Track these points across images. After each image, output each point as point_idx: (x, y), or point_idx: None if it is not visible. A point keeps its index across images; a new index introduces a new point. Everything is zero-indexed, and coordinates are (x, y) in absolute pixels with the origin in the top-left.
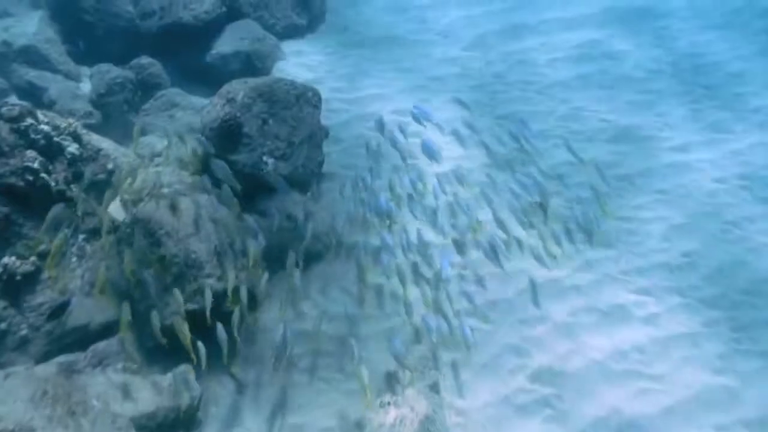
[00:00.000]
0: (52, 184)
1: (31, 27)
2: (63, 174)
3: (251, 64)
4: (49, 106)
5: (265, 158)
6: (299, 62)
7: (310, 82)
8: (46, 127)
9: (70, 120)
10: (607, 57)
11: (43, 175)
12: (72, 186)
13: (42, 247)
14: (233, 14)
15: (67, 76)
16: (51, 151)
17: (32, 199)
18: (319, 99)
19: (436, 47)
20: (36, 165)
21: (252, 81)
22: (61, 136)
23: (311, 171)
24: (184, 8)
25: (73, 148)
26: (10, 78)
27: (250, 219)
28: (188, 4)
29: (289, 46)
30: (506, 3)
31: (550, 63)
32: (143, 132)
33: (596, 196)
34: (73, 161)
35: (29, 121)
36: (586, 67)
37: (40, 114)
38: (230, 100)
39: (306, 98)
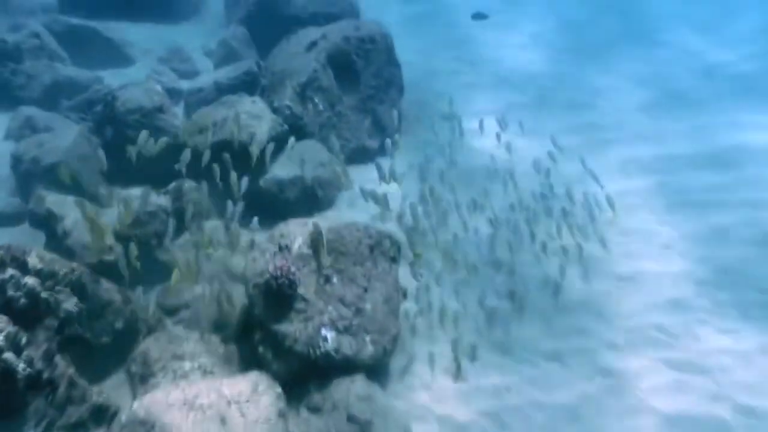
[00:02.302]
0: (20, 367)
1: (65, 142)
2: (44, 347)
3: (312, 193)
4: (62, 238)
5: (323, 331)
6: (369, 191)
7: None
8: (31, 281)
9: (74, 265)
10: None
11: (6, 355)
12: (56, 359)
13: None
14: (295, 134)
15: (95, 199)
16: (36, 310)
17: None
18: (398, 250)
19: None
20: None
21: (314, 224)
22: (56, 288)
23: (383, 348)
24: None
25: (70, 304)
26: (29, 201)
27: None
28: (245, 120)
29: (357, 172)
30: None
31: None
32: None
33: None
34: (68, 322)
35: (9, 272)
36: None
37: (34, 258)
38: (283, 249)
39: (382, 249)
